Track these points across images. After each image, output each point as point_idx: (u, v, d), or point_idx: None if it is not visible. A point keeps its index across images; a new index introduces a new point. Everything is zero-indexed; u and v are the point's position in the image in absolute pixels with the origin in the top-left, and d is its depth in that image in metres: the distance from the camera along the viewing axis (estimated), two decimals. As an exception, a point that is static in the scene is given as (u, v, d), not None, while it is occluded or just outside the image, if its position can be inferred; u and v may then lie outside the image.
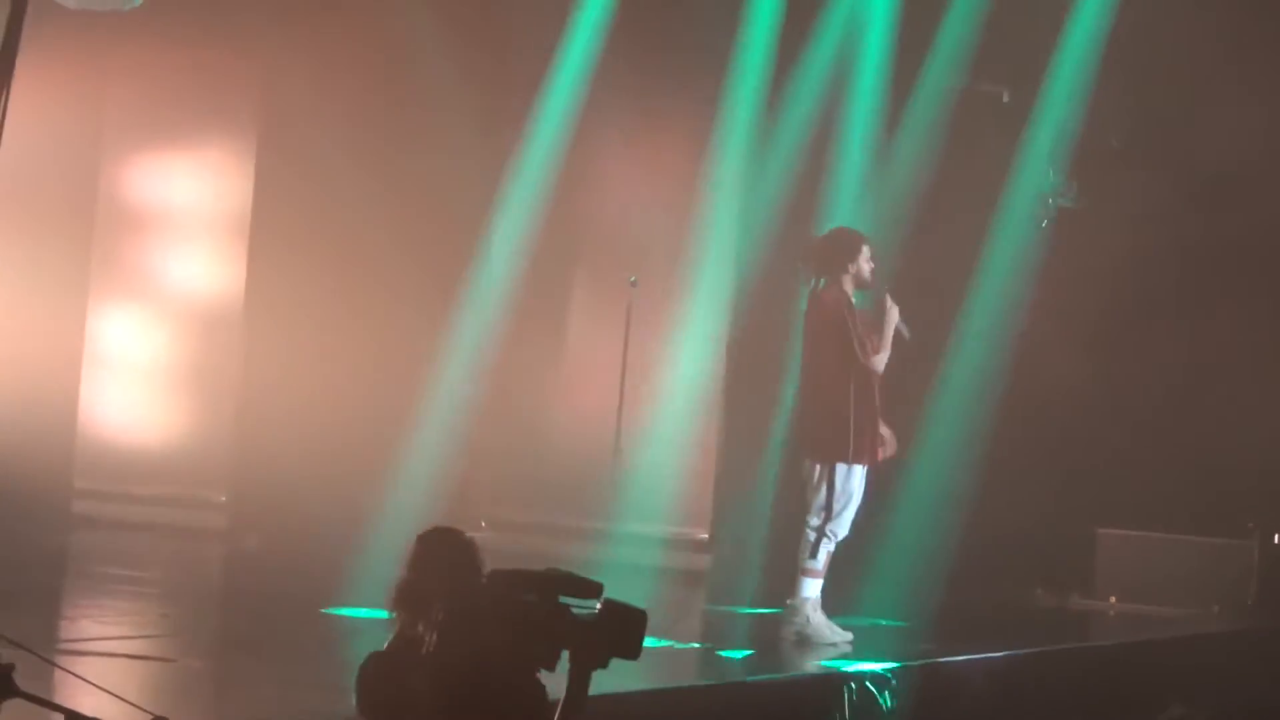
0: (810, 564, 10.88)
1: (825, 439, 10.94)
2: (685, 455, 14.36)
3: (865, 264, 11.09)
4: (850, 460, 10.88)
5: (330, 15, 14.56)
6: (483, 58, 14.93)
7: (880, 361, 10.96)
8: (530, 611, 4.52)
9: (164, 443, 15.21)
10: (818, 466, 10.95)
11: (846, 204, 13.58)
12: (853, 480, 10.92)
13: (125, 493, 15.01)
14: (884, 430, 11.13)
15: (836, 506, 10.88)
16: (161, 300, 15.36)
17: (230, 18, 14.75)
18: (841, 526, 10.92)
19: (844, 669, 10.11)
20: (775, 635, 11.00)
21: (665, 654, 10.23)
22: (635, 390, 12.96)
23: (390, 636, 5.15)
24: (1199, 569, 13.82)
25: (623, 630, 4.51)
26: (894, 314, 11.05)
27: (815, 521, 10.89)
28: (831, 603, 11.00)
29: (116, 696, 5.44)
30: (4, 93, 5.63)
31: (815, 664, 10.48)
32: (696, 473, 14.40)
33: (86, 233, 15.22)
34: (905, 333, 11.12)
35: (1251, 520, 13.82)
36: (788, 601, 10.97)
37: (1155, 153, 13.72)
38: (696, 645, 11.32)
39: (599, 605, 4.53)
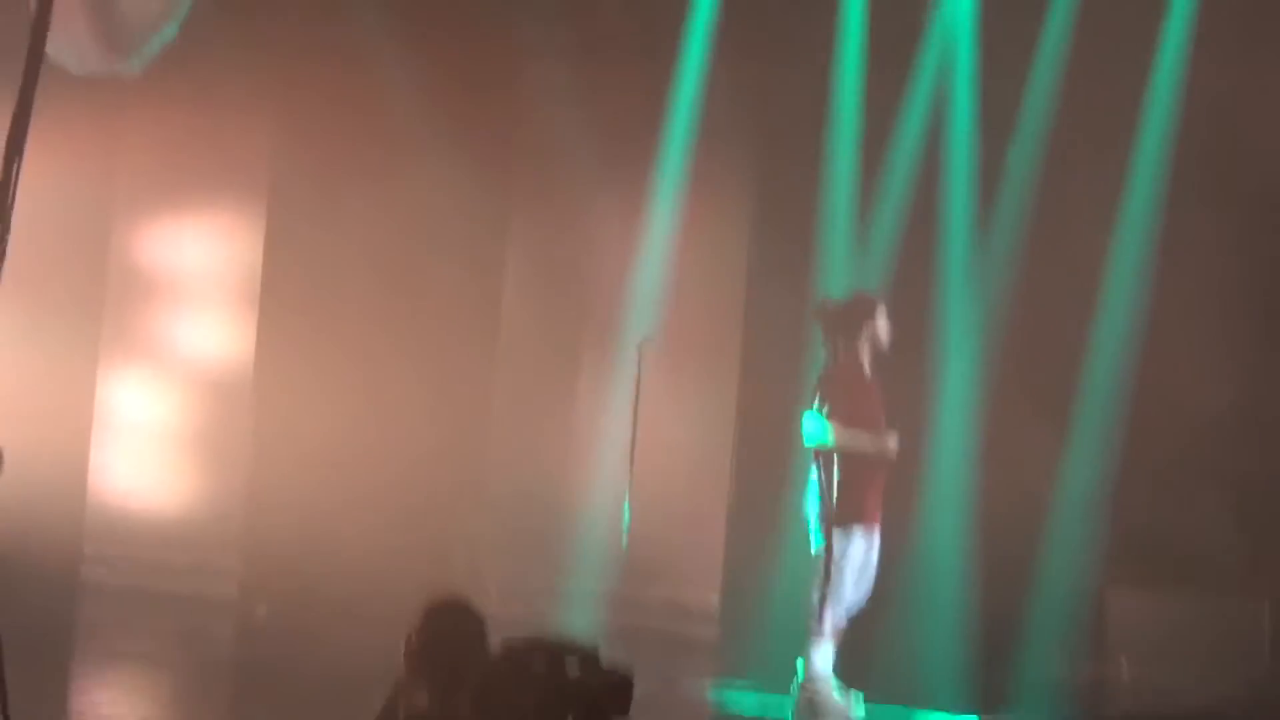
0: (817, 631, 10.81)
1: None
2: (695, 520, 14.32)
3: (882, 329, 11.05)
4: (837, 524, 10.77)
5: (341, 79, 14.60)
6: (492, 121, 14.95)
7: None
8: (543, 679, 4.55)
9: (174, 508, 15.18)
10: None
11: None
12: (852, 545, 10.80)
13: (135, 558, 14.98)
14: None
15: (835, 572, 10.77)
16: (172, 365, 15.35)
17: (238, 81, 14.76)
18: (846, 593, 10.82)
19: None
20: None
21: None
22: (644, 455, 12.92)
23: (384, 703, 5.15)
24: (1211, 633, 13.72)
25: (614, 692, 4.56)
26: (890, 447, 10.98)
27: (818, 588, 10.81)
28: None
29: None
30: (17, 161, 5.67)
31: None
32: (706, 538, 14.36)
33: (98, 298, 15.25)
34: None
35: (1265, 583, 13.71)
36: (797, 669, 10.91)
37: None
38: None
39: (581, 667, 4.57)
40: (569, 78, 14.54)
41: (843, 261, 14.04)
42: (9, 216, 5.96)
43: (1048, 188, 13.75)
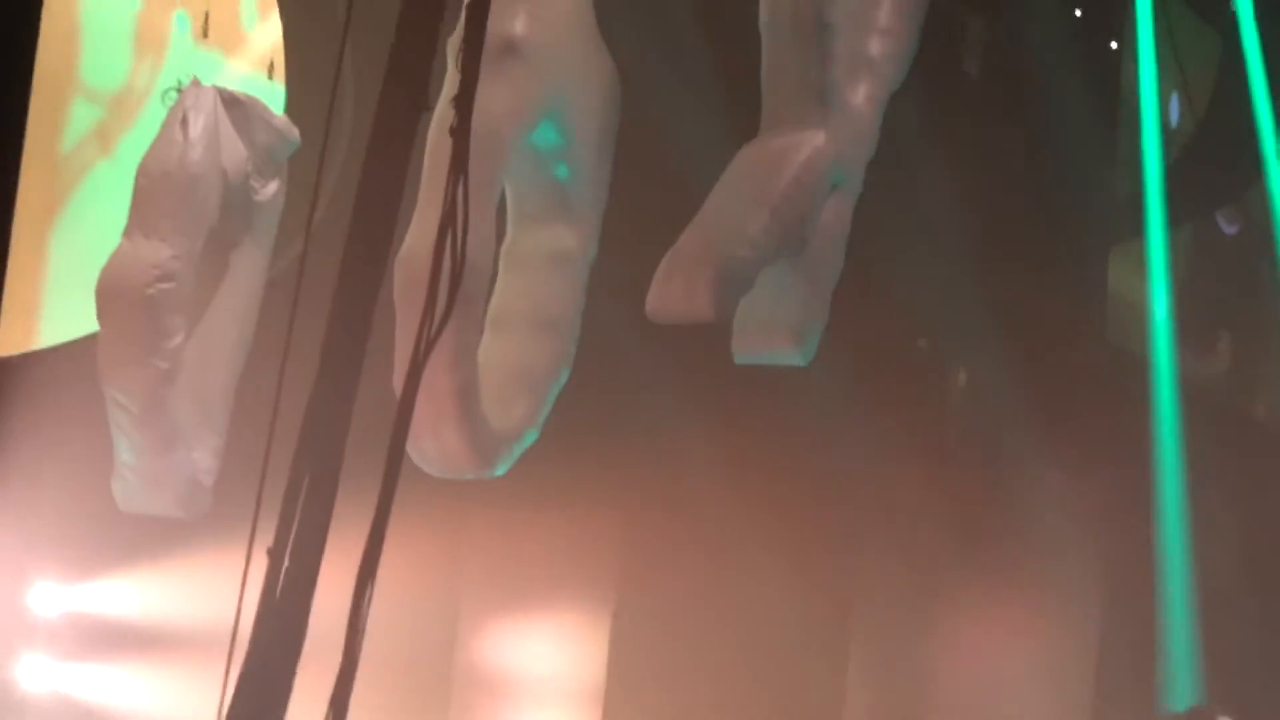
0: None
1: None
2: None
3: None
4: None
5: (683, 485, 14.63)
6: (834, 527, 14.89)
7: None
8: None
9: None
10: None
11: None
12: None
13: None
14: None
15: None
16: (515, 767, 15.31)
17: (589, 477, 14.87)
18: None
19: None
20: None
21: None
22: None
23: None
24: None
25: None
26: None
27: None
28: None
29: None
30: (371, 581, 5.63)
31: None
32: None
33: (444, 698, 15.28)
34: None
35: None
36: None
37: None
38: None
39: None
40: (904, 476, 14.50)
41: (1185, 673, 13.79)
42: (364, 620, 5.91)
43: None
